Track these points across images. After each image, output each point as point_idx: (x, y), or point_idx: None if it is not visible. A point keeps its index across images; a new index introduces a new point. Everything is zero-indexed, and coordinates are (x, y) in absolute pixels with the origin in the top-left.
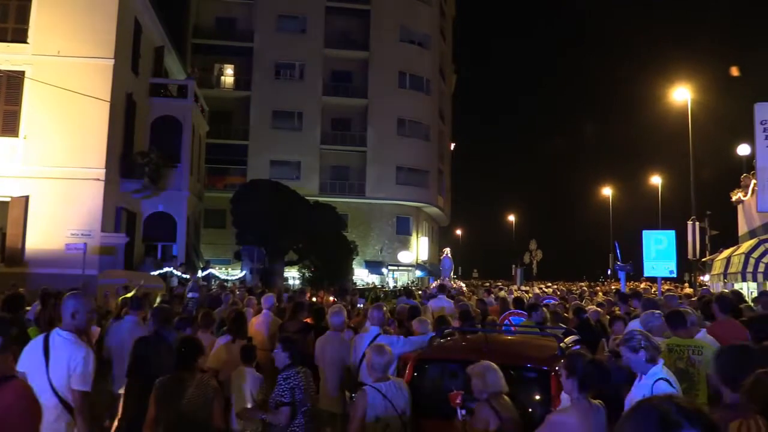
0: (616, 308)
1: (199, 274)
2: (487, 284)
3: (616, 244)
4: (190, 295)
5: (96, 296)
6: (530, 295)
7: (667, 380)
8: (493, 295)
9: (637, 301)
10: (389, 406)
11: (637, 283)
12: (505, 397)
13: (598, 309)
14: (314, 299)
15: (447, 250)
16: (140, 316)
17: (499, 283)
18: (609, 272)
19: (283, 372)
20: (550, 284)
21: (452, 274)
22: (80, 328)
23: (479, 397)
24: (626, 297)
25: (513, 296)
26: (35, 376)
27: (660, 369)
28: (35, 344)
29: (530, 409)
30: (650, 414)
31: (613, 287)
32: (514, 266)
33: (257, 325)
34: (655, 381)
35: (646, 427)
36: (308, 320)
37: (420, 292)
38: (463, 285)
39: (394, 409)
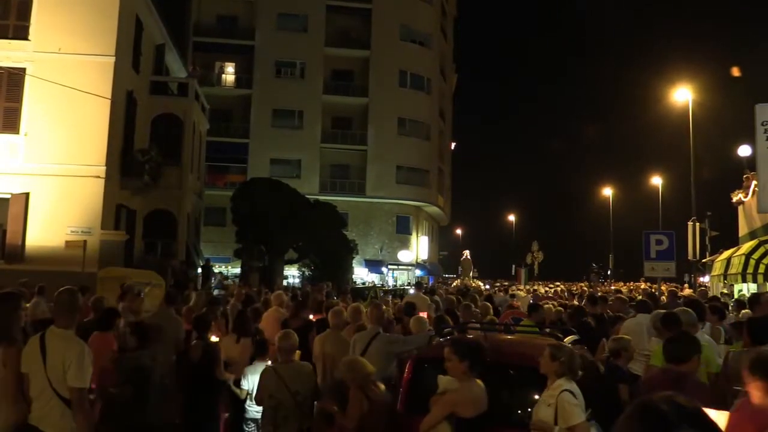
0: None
1: (198, 272)
2: (505, 284)
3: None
4: (216, 292)
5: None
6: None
7: (571, 392)
8: (509, 294)
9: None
10: (282, 386)
11: (637, 284)
12: (377, 383)
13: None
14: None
15: (467, 253)
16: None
17: (507, 283)
18: (609, 273)
19: (131, 353)
20: (549, 284)
21: (471, 273)
22: (69, 324)
23: (352, 385)
24: (596, 300)
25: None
26: (35, 376)
27: (565, 381)
28: (32, 344)
29: (529, 409)
30: (650, 413)
31: (612, 288)
32: (514, 266)
33: (267, 320)
34: (560, 392)
35: (646, 427)
36: (313, 317)
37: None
38: (481, 284)
39: (287, 389)
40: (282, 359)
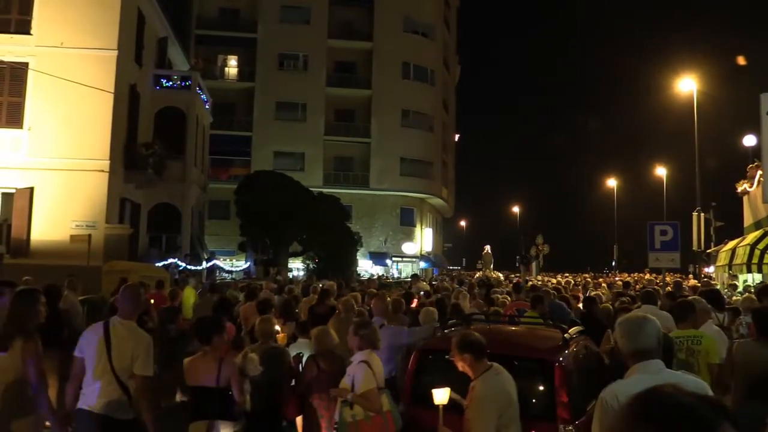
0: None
1: (204, 265)
2: (517, 275)
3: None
4: None
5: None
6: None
7: (367, 363)
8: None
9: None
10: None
11: (641, 275)
12: (335, 353)
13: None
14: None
15: (487, 247)
16: None
17: (518, 275)
18: (614, 264)
19: None
20: (558, 276)
21: (491, 266)
22: (133, 316)
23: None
24: (519, 288)
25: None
26: (97, 361)
27: (364, 353)
28: (95, 331)
29: (534, 400)
30: (688, 418)
31: (617, 279)
32: (518, 257)
33: (301, 308)
34: (358, 362)
35: (680, 429)
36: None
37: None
38: (501, 275)
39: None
40: (259, 342)
